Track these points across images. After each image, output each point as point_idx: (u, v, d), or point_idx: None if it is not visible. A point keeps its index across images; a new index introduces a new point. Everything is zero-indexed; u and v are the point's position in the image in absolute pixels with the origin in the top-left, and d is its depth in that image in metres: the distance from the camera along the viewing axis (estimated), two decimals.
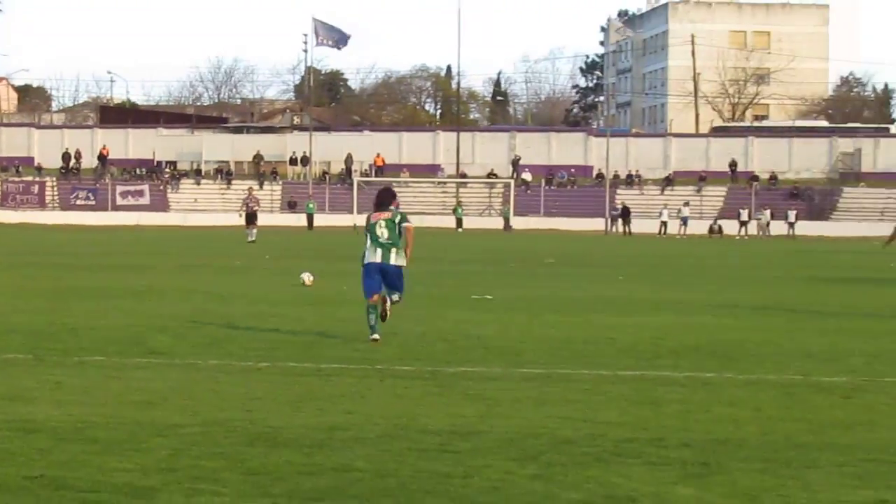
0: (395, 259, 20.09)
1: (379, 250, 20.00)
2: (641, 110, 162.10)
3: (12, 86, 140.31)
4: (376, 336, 19.63)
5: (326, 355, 18.52)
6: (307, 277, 31.28)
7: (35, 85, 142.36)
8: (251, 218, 62.21)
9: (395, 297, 20.24)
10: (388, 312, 20.05)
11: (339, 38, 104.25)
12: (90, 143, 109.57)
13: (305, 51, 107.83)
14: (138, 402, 13.83)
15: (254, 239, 59.83)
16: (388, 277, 20.05)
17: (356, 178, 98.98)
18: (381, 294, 19.93)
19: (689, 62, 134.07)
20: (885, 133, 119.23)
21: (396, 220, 20.20)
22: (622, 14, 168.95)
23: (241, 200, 67.39)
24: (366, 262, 20.12)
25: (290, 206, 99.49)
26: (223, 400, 14.14)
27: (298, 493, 9.60)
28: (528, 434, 12.24)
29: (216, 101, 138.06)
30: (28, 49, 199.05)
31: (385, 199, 20.67)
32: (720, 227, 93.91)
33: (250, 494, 9.54)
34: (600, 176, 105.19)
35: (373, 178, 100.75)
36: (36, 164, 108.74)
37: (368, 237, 20.15)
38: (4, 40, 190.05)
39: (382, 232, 20.03)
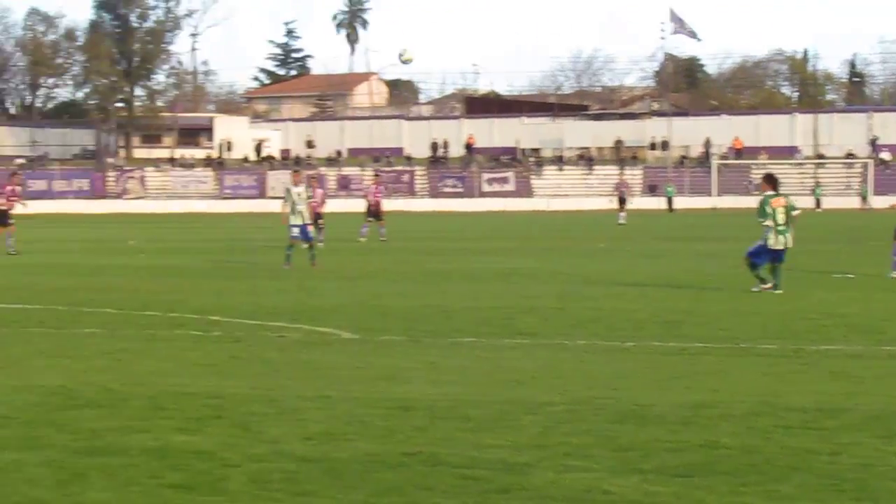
0: (789, 243, 23.38)
1: (780, 236, 23.15)
2: None
3: (383, 80, 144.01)
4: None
5: (691, 335, 18.40)
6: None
7: (404, 79, 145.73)
8: (622, 202, 65.93)
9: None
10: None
11: (691, 32, 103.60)
12: (457, 133, 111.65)
13: (663, 38, 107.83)
14: (508, 380, 14.01)
15: (624, 222, 61.37)
16: (779, 259, 23.48)
17: (715, 161, 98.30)
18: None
19: None
20: None
21: (789, 207, 23.36)
22: None
23: (614, 186, 71.68)
24: (771, 247, 23.22)
25: (651, 190, 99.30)
26: (590, 378, 14.19)
27: (667, 469, 9.57)
28: (894, 412, 11.93)
29: (577, 89, 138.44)
30: (396, 45, 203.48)
31: (776, 184, 24.19)
32: None
33: (620, 470, 9.54)
34: None
35: (731, 161, 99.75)
36: (405, 153, 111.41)
37: (770, 222, 23.20)
38: (375, 36, 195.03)
39: (782, 217, 23.10)
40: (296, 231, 31.23)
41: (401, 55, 32.21)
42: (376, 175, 51.32)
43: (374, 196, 45.70)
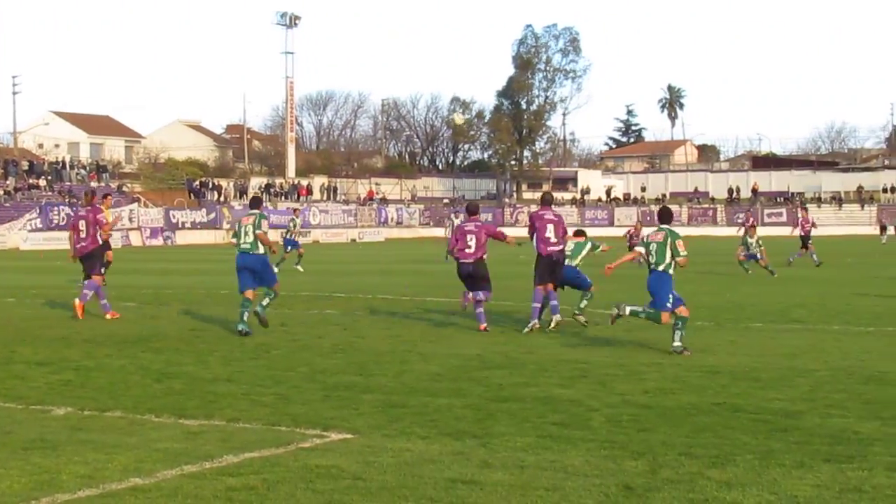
0: None
1: None
2: None
3: (694, 145, 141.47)
4: None
5: None
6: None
7: (709, 144, 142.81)
8: (883, 228, 61.64)
9: None
10: None
11: None
12: (745, 181, 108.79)
13: (892, 113, 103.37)
14: (786, 354, 13.80)
15: (885, 242, 56.45)
16: None
17: None
18: None
19: None
20: None
21: None
22: None
23: (877, 217, 65.09)
24: None
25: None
26: (844, 353, 13.85)
27: None
28: None
29: (829, 150, 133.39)
30: (705, 115, 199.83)
31: None
32: None
33: (866, 417, 9.37)
34: None
35: None
36: (710, 196, 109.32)
37: None
38: (689, 113, 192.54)
39: None
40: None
41: (453, 118, 30.80)
42: (804, 209, 44.74)
43: (804, 226, 39.16)
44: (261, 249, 16.65)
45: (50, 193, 71.21)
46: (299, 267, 34.31)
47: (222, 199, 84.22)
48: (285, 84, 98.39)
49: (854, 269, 34.48)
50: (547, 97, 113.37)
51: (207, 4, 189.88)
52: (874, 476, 7.27)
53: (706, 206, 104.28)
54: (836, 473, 7.34)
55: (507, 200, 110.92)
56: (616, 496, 6.82)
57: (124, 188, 77.34)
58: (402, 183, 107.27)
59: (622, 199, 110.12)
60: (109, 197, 24.50)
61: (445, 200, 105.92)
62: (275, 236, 26.61)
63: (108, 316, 18.82)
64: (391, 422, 9.25)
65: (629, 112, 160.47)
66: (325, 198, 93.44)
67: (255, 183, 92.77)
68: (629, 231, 39.49)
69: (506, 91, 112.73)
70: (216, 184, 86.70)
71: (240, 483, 7.11)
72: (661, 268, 14.08)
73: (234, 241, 17.14)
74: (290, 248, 36.13)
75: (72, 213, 65.57)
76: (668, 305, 13.97)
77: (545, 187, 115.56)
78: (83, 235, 19.16)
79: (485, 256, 17.35)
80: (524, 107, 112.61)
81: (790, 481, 7.14)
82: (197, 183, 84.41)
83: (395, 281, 29.88)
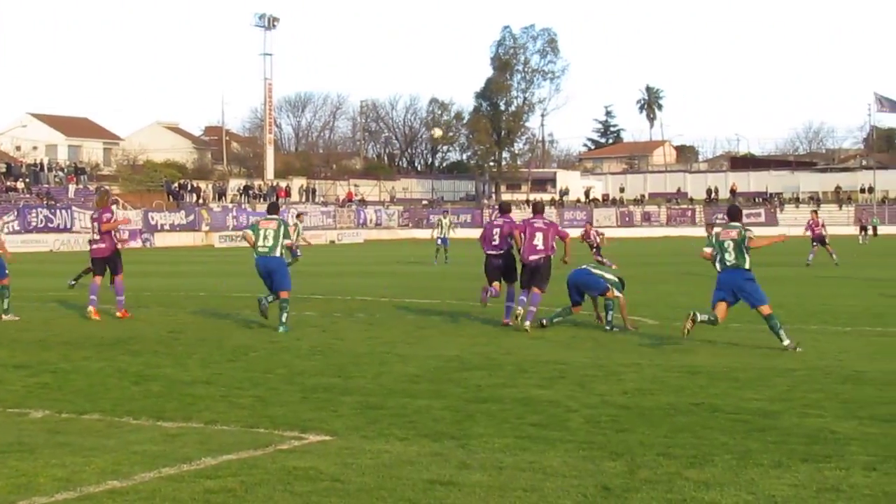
0: None
1: None
2: None
3: (673, 146, 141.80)
4: None
5: (892, 322, 17.81)
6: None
7: (688, 144, 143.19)
8: (863, 229, 61.19)
9: None
10: None
11: (892, 106, 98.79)
12: (724, 182, 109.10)
13: (869, 114, 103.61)
14: (764, 353, 13.83)
15: (864, 242, 57.49)
16: None
17: None
18: None
19: None
20: None
21: None
22: None
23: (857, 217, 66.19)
24: None
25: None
26: (822, 353, 13.90)
27: (877, 416, 9.38)
28: None
29: (807, 151, 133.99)
30: (683, 116, 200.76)
31: None
32: None
33: (843, 417, 9.40)
34: None
35: None
36: (689, 196, 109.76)
37: None
38: (667, 114, 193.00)
39: None
40: None
41: (433, 133, 31.07)
42: (814, 211, 44.81)
43: (815, 228, 39.40)
44: (279, 252, 17.22)
45: (28, 196, 70.79)
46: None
47: (201, 201, 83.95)
48: (264, 86, 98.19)
49: (832, 269, 34.62)
50: (525, 98, 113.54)
51: (186, 6, 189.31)
52: (851, 475, 7.29)
53: (685, 206, 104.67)
54: (814, 473, 7.36)
55: (485, 202, 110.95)
56: (594, 497, 6.82)
57: (105, 187, 76.90)
58: (380, 184, 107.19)
59: (601, 199, 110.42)
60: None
61: (424, 202, 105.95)
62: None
63: (92, 313, 18.67)
64: (369, 423, 9.24)
65: (608, 113, 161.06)
66: (303, 199, 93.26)
67: (234, 185, 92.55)
68: (585, 230, 39.46)
69: (484, 92, 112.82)
70: (195, 186, 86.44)
71: (218, 485, 7.08)
72: (745, 265, 14.46)
73: (248, 232, 17.62)
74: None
75: (50, 215, 65.55)
76: (766, 298, 14.45)
77: (524, 188, 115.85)
78: (96, 237, 19.18)
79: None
80: (503, 108, 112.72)
81: (768, 481, 7.16)
82: (175, 185, 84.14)
83: (373, 282, 29.83)
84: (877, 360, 13.15)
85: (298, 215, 42.69)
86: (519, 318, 16.87)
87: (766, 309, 14.41)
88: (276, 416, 9.56)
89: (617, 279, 17.17)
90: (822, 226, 40.07)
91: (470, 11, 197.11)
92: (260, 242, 17.26)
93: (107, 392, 11.04)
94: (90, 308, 18.79)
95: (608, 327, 16.75)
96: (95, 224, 19.41)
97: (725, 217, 15.19)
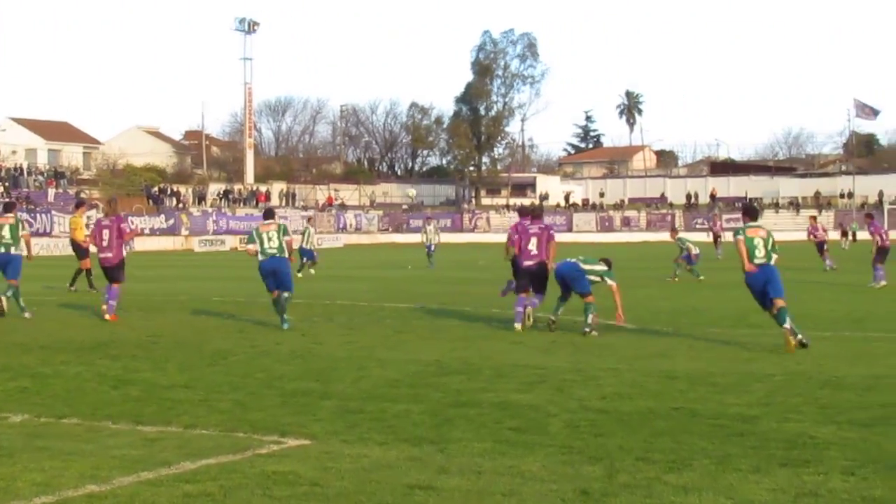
0: None
1: None
2: None
3: (653, 150, 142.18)
4: None
5: (871, 328, 17.90)
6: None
7: (667, 149, 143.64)
8: (844, 234, 61.91)
9: None
10: None
11: (872, 112, 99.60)
12: (704, 187, 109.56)
13: (849, 120, 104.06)
14: (743, 358, 13.85)
15: (846, 247, 57.65)
16: None
17: (886, 206, 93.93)
18: None
19: None
20: None
21: None
22: None
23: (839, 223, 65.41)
24: None
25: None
26: (801, 358, 13.87)
27: (856, 421, 9.40)
28: None
29: (787, 156, 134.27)
30: (663, 121, 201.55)
31: None
32: None
33: (822, 422, 9.41)
34: None
35: None
36: (668, 201, 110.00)
37: None
38: (647, 119, 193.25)
39: None
40: None
41: (409, 193, 31.29)
42: (813, 217, 44.81)
43: (814, 234, 39.51)
44: (285, 253, 17.86)
45: (7, 200, 70.40)
46: (300, 274, 34.03)
47: (181, 205, 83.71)
48: (244, 90, 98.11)
49: (815, 274, 34.74)
50: (505, 103, 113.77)
51: (166, 10, 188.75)
52: (830, 480, 7.31)
53: (664, 211, 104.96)
54: (793, 478, 7.38)
55: (465, 206, 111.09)
56: (573, 501, 6.82)
57: (82, 195, 76.59)
58: (360, 189, 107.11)
59: (581, 204, 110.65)
60: (84, 206, 24.62)
61: (404, 206, 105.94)
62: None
63: (109, 317, 18.81)
64: (349, 428, 9.22)
65: (588, 118, 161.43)
66: (283, 204, 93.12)
67: (214, 189, 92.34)
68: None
69: (464, 97, 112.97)
70: (175, 190, 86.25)
71: (197, 490, 7.05)
72: (771, 261, 15.39)
73: (249, 247, 18.05)
74: (305, 258, 36.09)
75: (30, 219, 65.22)
76: (784, 293, 15.23)
77: (504, 193, 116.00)
78: (105, 245, 19.05)
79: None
80: (483, 112, 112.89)
81: (747, 486, 7.17)
82: (155, 189, 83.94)
83: (353, 287, 29.78)
84: (856, 365, 13.17)
85: (309, 219, 42.65)
86: (530, 320, 17.53)
87: (780, 301, 15.03)
88: (255, 421, 9.52)
89: (605, 266, 17.33)
90: (824, 230, 40.33)
91: (450, 16, 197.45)
92: (265, 245, 17.80)
93: (86, 396, 10.98)
94: (108, 316, 18.91)
95: (586, 329, 16.76)
96: (106, 231, 19.21)
97: (744, 217, 15.99)
